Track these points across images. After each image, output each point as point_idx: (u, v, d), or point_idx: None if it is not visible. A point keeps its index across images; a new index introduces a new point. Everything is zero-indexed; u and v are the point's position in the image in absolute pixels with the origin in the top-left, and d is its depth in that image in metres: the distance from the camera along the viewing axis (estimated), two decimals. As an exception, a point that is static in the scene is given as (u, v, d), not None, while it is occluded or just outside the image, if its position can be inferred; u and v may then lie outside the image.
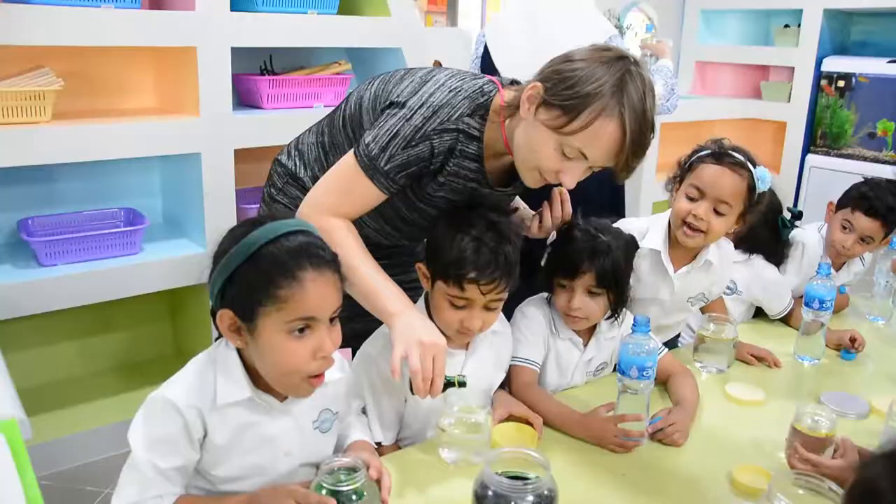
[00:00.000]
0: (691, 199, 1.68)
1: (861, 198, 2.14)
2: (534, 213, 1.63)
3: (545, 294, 1.68)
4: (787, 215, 2.09)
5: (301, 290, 1.08)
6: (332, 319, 1.14)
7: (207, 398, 1.14)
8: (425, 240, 1.51)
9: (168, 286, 2.38)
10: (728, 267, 1.91)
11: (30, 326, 2.33)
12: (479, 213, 1.41)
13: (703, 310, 1.95)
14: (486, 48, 2.35)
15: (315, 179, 1.57)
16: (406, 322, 1.30)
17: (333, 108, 1.65)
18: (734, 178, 1.64)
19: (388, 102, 1.43)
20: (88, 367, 2.63)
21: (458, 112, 1.38)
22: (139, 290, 2.32)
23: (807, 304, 1.82)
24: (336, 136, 1.59)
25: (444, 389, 1.29)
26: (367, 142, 1.40)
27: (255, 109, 2.60)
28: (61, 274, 2.17)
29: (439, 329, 1.37)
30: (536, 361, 1.62)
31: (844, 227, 2.16)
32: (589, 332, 1.67)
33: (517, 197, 1.69)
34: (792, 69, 4.13)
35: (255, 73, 2.67)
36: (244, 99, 2.67)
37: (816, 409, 1.39)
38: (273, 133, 2.48)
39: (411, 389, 1.28)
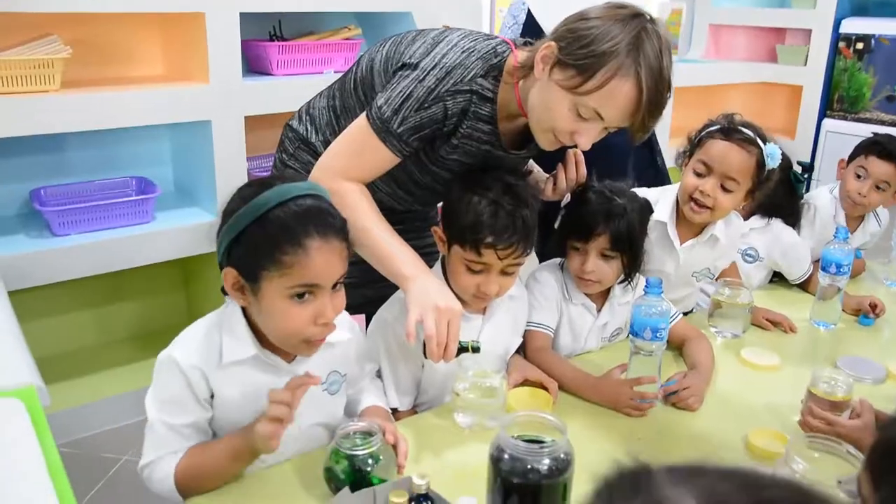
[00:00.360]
0: (699, 175, 1.67)
1: (873, 143, 2.14)
2: (548, 175, 1.62)
3: (558, 259, 1.67)
4: (798, 169, 2.07)
5: (305, 257, 1.08)
6: (335, 286, 1.14)
7: (213, 357, 1.15)
8: (440, 203, 1.50)
9: (180, 255, 2.38)
10: (735, 242, 1.89)
11: (44, 296, 2.34)
12: (495, 175, 1.39)
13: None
14: (528, 14, 2.28)
15: (327, 144, 1.56)
16: (421, 286, 1.29)
17: (344, 72, 1.63)
18: (742, 155, 1.63)
19: (399, 64, 1.41)
20: (103, 335, 2.65)
21: (472, 73, 1.36)
22: (152, 258, 2.33)
23: (823, 269, 1.80)
24: (347, 100, 1.57)
25: (457, 354, 1.29)
26: (379, 104, 1.38)
27: (264, 76, 2.58)
28: (74, 243, 2.17)
29: (455, 294, 1.36)
30: (550, 326, 1.62)
31: (859, 176, 2.14)
32: (602, 298, 1.67)
33: (530, 160, 1.67)
34: (809, 31, 4.04)
35: (265, 38, 2.64)
36: (253, 65, 2.65)
37: (833, 374, 1.38)
38: (283, 99, 2.46)
39: (425, 354, 1.27)
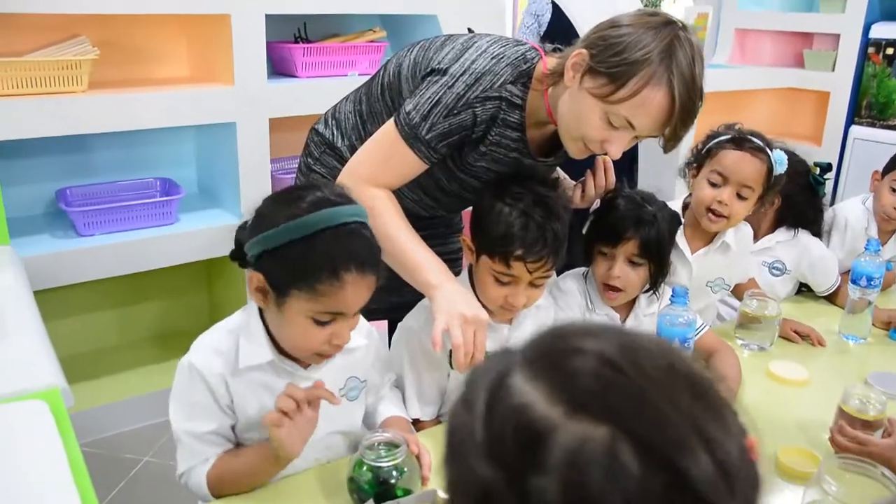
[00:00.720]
0: (714, 185, 1.69)
1: None
2: (576, 182, 1.60)
3: (582, 269, 1.66)
4: (816, 171, 2.03)
5: (340, 290, 1.07)
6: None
7: (231, 362, 1.15)
8: (470, 211, 1.48)
9: (203, 256, 2.39)
10: (747, 251, 1.89)
11: (68, 295, 2.35)
12: (526, 186, 1.37)
13: (735, 291, 1.93)
14: (553, 13, 2.26)
15: (352, 149, 1.55)
16: (448, 295, 1.28)
17: (370, 76, 1.62)
18: (755, 163, 1.66)
19: (428, 69, 1.39)
20: (126, 336, 2.67)
21: (501, 79, 1.34)
22: (175, 260, 2.33)
23: (853, 282, 1.77)
24: (374, 105, 1.56)
25: None
26: (407, 110, 1.36)
27: (289, 78, 2.58)
28: (98, 244, 2.18)
29: (482, 303, 1.35)
30: None
31: (894, 189, 2.10)
32: (627, 309, 1.65)
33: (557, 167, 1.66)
34: (837, 36, 3.98)
35: (289, 40, 2.64)
36: (278, 67, 2.65)
37: (865, 391, 1.35)
38: (308, 102, 2.46)
39: (451, 364, 1.26)
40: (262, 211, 1.13)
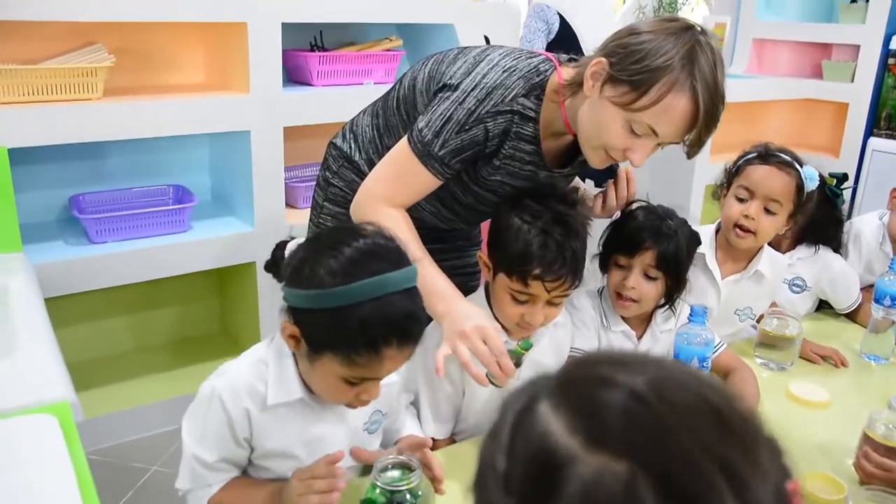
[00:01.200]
0: (741, 200, 1.69)
1: None
2: (597, 192, 1.58)
3: (597, 286, 1.64)
4: (833, 182, 2.00)
5: (378, 363, 1.04)
6: None
7: (258, 397, 1.11)
8: (488, 226, 1.46)
9: (216, 265, 2.37)
10: (779, 282, 1.86)
11: (80, 302, 2.34)
12: (546, 203, 1.34)
13: None
14: (562, 22, 2.24)
15: (370, 162, 1.54)
16: (452, 319, 1.26)
17: (387, 85, 1.61)
18: (783, 177, 1.65)
19: (440, 85, 1.38)
20: (138, 343, 2.65)
21: (513, 93, 1.33)
22: (187, 268, 2.32)
23: (877, 301, 1.74)
24: (390, 119, 1.55)
25: (516, 364, 1.26)
26: (419, 127, 1.35)
27: (304, 86, 2.56)
28: (111, 251, 2.17)
29: (499, 321, 1.33)
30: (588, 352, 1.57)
31: None
32: (643, 325, 1.62)
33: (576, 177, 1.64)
34: (857, 47, 3.94)
35: (305, 49, 2.63)
36: (293, 76, 2.64)
37: (891, 416, 1.32)
38: (323, 110, 2.45)
39: (492, 382, 1.23)
40: (308, 255, 1.06)
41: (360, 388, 1.08)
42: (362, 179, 1.53)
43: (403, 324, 1.03)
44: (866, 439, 1.31)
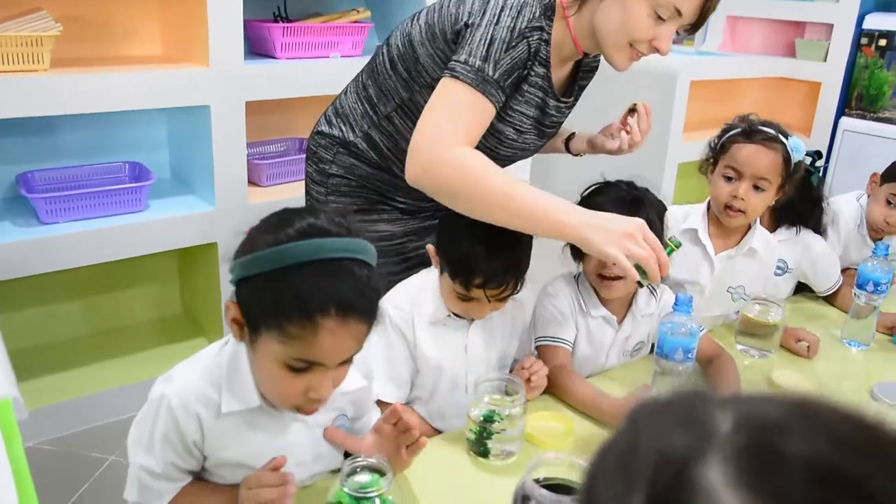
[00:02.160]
0: (729, 180, 1.67)
1: None
2: (615, 129, 1.62)
3: (571, 271, 1.58)
4: (808, 161, 1.96)
5: (313, 335, 0.92)
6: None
7: (212, 405, 1.03)
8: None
9: (174, 246, 2.27)
10: (772, 263, 1.83)
11: (31, 286, 2.22)
12: None
13: None
14: None
15: (367, 138, 1.50)
16: (597, 224, 1.20)
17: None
18: (769, 154, 1.63)
19: (460, 26, 1.34)
20: (95, 327, 2.54)
21: (537, 11, 1.33)
22: (144, 249, 2.21)
23: (860, 286, 1.70)
24: (385, 82, 1.48)
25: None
26: (462, 60, 1.28)
27: (267, 59, 2.45)
28: (62, 232, 2.05)
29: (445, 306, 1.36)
30: (568, 340, 1.52)
31: (889, 202, 2.03)
32: (624, 309, 1.57)
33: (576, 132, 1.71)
34: (830, 26, 3.91)
35: (268, 19, 2.51)
36: (256, 48, 2.52)
37: (878, 409, 1.28)
38: (287, 85, 2.34)
39: (640, 283, 1.23)
40: (251, 231, 0.99)
41: (307, 381, 0.97)
42: (362, 162, 1.50)
43: (345, 290, 0.93)
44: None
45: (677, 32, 1.34)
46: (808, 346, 1.68)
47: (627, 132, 1.59)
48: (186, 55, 2.30)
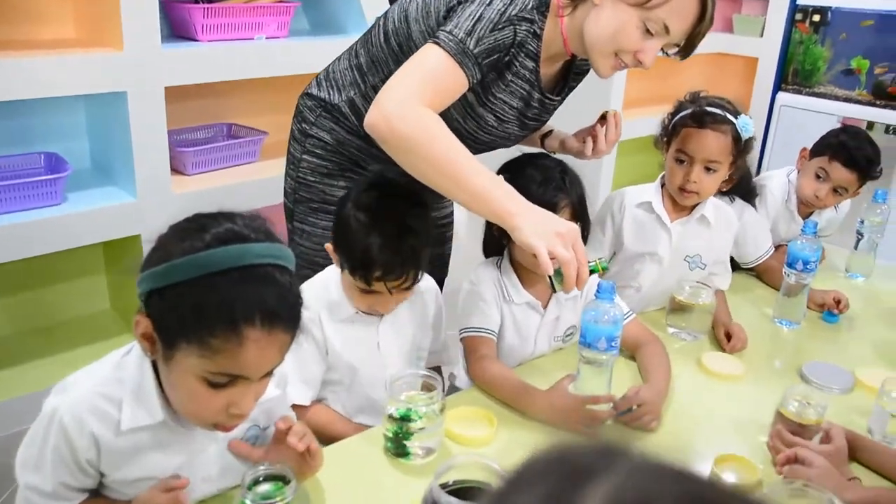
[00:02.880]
0: (681, 162, 1.68)
1: (840, 147, 2.01)
2: (585, 135, 1.62)
3: (493, 258, 1.55)
4: None
5: (238, 346, 0.87)
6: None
7: (109, 421, 0.96)
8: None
9: (95, 240, 2.17)
10: (726, 231, 1.84)
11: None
12: (389, 204, 1.32)
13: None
14: None
15: (351, 103, 1.51)
16: (533, 217, 1.22)
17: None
18: (719, 138, 1.64)
19: (455, 2, 1.35)
20: (18, 327, 2.41)
21: (530, 3, 1.34)
22: (63, 244, 2.10)
23: (789, 265, 1.69)
24: (377, 54, 1.50)
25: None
26: (447, 29, 1.30)
27: (188, 42, 2.34)
28: (-29, 228, 1.94)
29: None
30: (493, 330, 1.49)
31: (818, 176, 2.04)
32: (548, 293, 1.53)
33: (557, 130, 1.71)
34: (766, 2, 3.94)
35: (189, 0, 2.40)
36: (176, 30, 2.41)
37: (804, 392, 1.27)
38: (209, 69, 2.24)
39: (553, 288, 1.23)
40: (161, 239, 0.92)
41: (228, 396, 0.91)
42: (341, 126, 1.52)
43: (269, 298, 0.88)
44: (780, 418, 1.25)
45: (667, 53, 1.38)
46: (729, 339, 1.63)
47: (594, 139, 1.59)
48: (100, 39, 2.18)
